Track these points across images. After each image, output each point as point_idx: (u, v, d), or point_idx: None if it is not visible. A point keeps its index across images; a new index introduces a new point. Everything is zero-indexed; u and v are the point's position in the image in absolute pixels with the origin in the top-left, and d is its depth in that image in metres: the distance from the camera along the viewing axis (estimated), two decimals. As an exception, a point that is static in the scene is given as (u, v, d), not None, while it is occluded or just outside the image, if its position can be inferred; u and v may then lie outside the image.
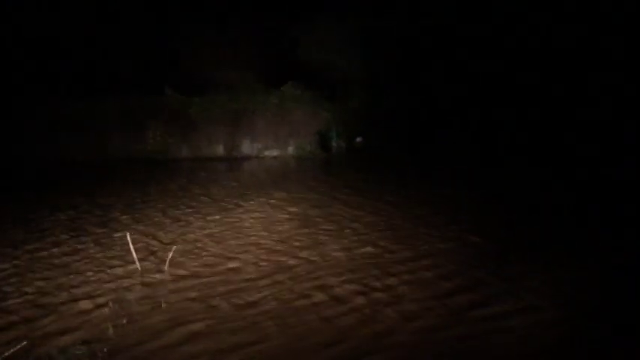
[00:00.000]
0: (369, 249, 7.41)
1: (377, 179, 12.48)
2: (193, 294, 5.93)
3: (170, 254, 6.97)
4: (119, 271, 6.65)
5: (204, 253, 7.33)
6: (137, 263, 6.80)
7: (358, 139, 17.64)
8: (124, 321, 5.28)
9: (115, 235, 8.03)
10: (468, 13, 17.92)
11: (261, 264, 6.89)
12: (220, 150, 16.30)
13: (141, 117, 15.82)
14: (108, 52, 16.46)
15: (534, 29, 16.66)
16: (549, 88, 16.47)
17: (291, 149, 16.66)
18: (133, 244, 7.11)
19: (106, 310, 5.55)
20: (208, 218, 9.19)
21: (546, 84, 16.53)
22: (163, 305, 5.66)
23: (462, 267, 6.54)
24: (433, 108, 18.10)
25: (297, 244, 7.71)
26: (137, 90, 15.64)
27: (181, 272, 6.61)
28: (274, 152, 16.54)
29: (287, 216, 9.31)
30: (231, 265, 6.86)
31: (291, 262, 6.95)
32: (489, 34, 17.42)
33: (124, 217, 9.28)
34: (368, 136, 17.62)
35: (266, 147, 16.54)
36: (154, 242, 7.81)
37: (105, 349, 4.74)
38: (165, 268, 6.69)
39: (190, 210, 9.78)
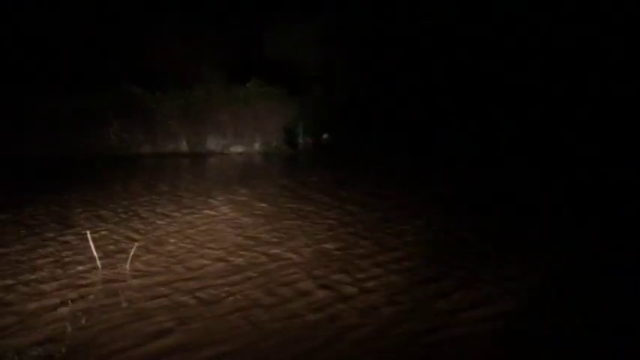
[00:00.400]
0: (361, 244, 7.59)
1: (349, 176, 12.67)
2: (172, 292, 5.95)
3: (132, 252, 6.93)
4: (87, 270, 6.58)
5: (183, 250, 7.36)
6: (98, 262, 6.74)
7: (325, 136, 17.85)
8: (83, 321, 5.24)
9: (81, 234, 7.81)
10: (442, 10, 18.29)
11: (242, 260, 6.97)
12: (184, 146, 16.35)
13: (102, 113, 15.73)
14: (69, 47, 16.19)
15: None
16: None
17: (257, 145, 16.78)
18: (109, 243, 7.18)
19: (65, 309, 5.50)
20: (186, 214, 9.24)
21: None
22: (127, 305, 5.66)
23: (460, 265, 6.70)
24: (404, 106, 18.39)
25: (275, 239, 7.83)
26: (98, 86, 15.41)
27: (157, 269, 6.63)
28: (240, 148, 16.60)
29: (262, 211, 9.43)
30: (218, 261, 6.94)
31: (275, 258, 7.06)
32: (475, 33, 17.80)
33: (108, 215, 9.17)
34: (335, 133, 17.81)
35: (231, 143, 16.61)
36: (129, 240, 7.73)
37: (62, 350, 4.70)
38: (127, 266, 6.66)
39: (167, 206, 9.77)
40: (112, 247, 7.40)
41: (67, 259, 6.92)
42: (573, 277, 6.25)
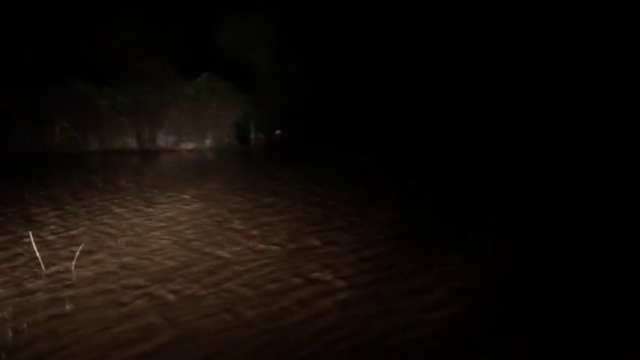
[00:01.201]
0: (340, 239, 7.67)
1: (307, 172, 12.67)
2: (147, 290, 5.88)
3: (77, 252, 6.76)
4: (31, 272, 6.44)
5: (156, 246, 7.36)
6: (41, 263, 6.56)
7: (277, 132, 17.79)
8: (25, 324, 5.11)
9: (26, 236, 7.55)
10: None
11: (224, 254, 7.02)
12: (133, 143, 15.96)
13: (47, 109, 15.24)
14: (10, 39, 15.65)
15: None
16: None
17: (208, 142, 16.54)
18: (57, 245, 6.98)
19: (5, 314, 5.34)
20: (147, 211, 9.14)
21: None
22: (76, 307, 5.54)
23: (441, 261, 6.76)
24: (357, 104, 18.44)
25: (252, 234, 7.88)
26: (42, 80, 14.96)
27: (131, 264, 6.58)
28: (190, 145, 16.35)
29: (237, 206, 9.47)
30: (207, 256, 6.95)
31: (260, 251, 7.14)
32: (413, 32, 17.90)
33: (59, 215, 8.91)
34: (287, 130, 17.78)
35: (182, 139, 16.32)
36: (77, 242, 7.50)
37: (2, 355, 4.56)
38: (72, 267, 6.48)
39: (124, 204, 9.58)
40: (63, 249, 7.19)
41: (10, 261, 6.72)
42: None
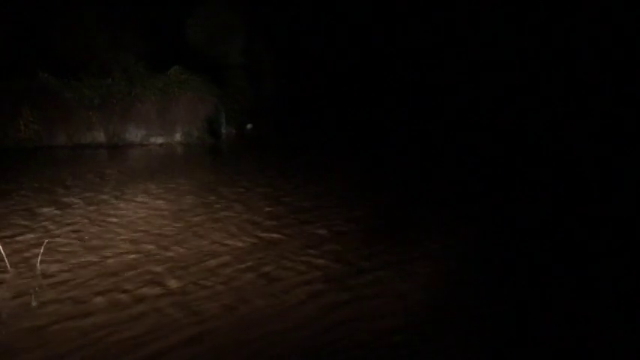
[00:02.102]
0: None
1: (285, 166, 12.64)
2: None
3: (41, 250, 6.67)
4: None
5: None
6: (7, 261, 6.44)
7: (249, 126, 17.76)
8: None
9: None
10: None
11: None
12: (101, 137, 15.72)
13: (12, 102, 14.89)
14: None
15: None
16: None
17: (178, 136, 16.40)
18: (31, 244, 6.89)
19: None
20: (130, 205, 8.99)
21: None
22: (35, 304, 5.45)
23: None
24: (329, 98, 18.53)
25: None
26: (7, 73, 14.64)
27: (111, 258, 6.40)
28: (160, 139, 16.20)
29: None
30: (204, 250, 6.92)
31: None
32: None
33: (32, 213, 8.65)
34: (259, 124, 17.78)
35: (151, 134, 16.15)
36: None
37: None
38: (38, 265, 6.40)
39: (112, 199, 9.45)
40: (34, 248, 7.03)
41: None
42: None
